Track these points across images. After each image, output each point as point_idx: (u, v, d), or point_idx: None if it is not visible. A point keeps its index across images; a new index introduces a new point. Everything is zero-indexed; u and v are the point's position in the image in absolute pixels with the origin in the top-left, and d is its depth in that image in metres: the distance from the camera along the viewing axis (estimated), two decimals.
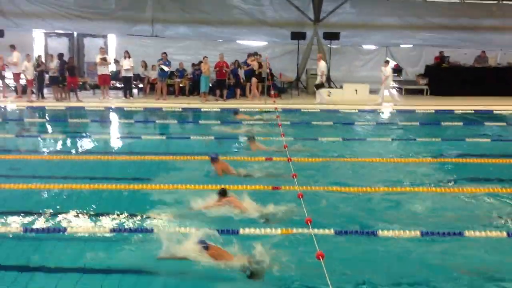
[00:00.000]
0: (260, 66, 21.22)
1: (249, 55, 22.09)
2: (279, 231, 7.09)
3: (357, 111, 19.23)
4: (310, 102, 20.96)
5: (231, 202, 7.98)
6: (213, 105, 19.71)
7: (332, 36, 23.32)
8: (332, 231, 7.07)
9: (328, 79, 23.06)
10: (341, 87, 22.10)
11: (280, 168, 10.33)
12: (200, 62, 21.41)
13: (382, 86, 21.13)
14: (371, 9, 24.92)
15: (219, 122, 16.01)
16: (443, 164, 11.40)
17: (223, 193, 8.09)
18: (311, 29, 23.94)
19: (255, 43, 25.45)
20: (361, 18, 24.97)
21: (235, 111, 17.23)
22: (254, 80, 21.46)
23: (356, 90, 21.58)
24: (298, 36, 23.37)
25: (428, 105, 20.34)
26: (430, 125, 16.80)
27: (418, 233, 7.15)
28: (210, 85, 21.48)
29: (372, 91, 21.73)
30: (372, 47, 26.28)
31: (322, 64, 21.24)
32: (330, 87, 22.42)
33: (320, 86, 21.28)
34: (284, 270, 6.12)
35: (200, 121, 16.31)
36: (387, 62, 21.38)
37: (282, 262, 6.23)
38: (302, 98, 22.40)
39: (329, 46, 23.89)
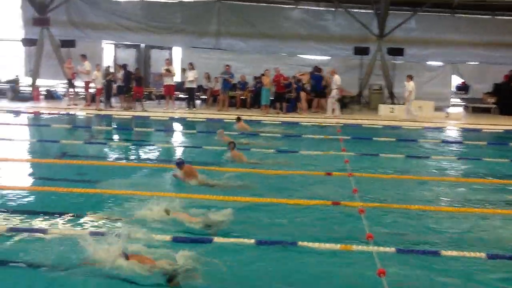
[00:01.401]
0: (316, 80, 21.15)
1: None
2: (338, 246, 7.01)
3: (421, 128, 18.83)
4: (372, 118, 20.71)
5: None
6: (274, 118, 19.80)
7: (396, 51, 23.04)
8: (393, 249, 6.92)
9: (391, 95, 22.74)
10: (404, 103, 21.73)
11: (340, 183, 10.24)
12: (262, 75, 21.61)
13: (406, 102, 20.62)
14: (436, 24, 24.49)
15: (279, 134, 16.09)
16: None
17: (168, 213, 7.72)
18: (375, 44, 23.70)
19: (317, 57, 25.47)
20: (426, 33, 24.59)
21: (238, 117, 17.13)
22: (302, 94, 21.47)
23: (420, 107, 21.15)
24: (361, 51, 23.24)
25: (496, 124, 19.68)
26: (498, 145, 16.22)
27: (483, 254, 6.89)
28: (272, 98, 21.63)
29: (437, 108, 21.25)
30: (438, 63, 25.74)
31: (337, 78, 20.88)
32: (393, 103, 22.09)
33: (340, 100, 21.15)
34: (343, 286, 6.05)
35: (261, 134, 16.38)
36: (410, 77, 20.85)
37: (341, 278, 6.17)
38: (364, 114, 22.16)
39: (393, 61, 23.58)
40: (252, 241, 6.94)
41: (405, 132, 18.11)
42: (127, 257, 6.02)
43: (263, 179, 10.66)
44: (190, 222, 7.56)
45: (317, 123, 18.85)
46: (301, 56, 25.57)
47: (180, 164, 9.90)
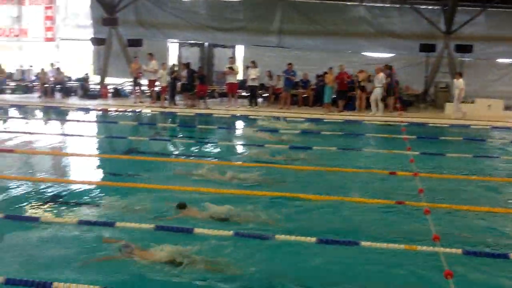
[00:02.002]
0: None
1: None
2: (402, 246, 6.86)
3: (489, 127, 18.17)
4: (438, 116, 20.16)
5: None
6: (336, 116, 19.63)
7: (465, 49, 22.32)
8: (460, 250, 6.72)
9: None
10: (472, 102, 21.03)
11: (405, 182, 10.03)
12: (325, 73, 21.43)
13: (456, 100, 19.90)
14: (507, 21, 23.49)
15: (341, 132, 15.96)
16: None
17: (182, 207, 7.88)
18: (441, 41, 23.05)
19: (381, 54, 25.05)
20: (496, 30, 23.67)
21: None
22: (359, 92, 21.14)
23: (489, 106, 20.42)
24: (427, 48, 22.66)
25: None
26: None
27: None
28: (334, 96, 21.46)
29: (507, 107, 20.45)
30: (508, 61, 24.74)
31: (382, 76, 20.36)
32: (462, 101, 21.45)
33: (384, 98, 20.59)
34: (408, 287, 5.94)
35: (322, 132, 16.27)
36: (459, 74, 19.93)
37: (405, 278, 6.06)
38: (429, 112, 21.61)
39: (461, 59, 22.85)
40: (314, 239, 6.92)
41: (473, 131, 17.50)
42: (131, 249, 6.21)
43: (326, 177, 10.58)
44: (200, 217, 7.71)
45: (382, 122, 18.54)
46: (365, 53, 25.21)
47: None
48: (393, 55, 24.87)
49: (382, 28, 24.60)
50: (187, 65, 21.87)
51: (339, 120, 18.74)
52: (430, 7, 23.72)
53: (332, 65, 21.57)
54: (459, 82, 19.76)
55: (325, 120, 18.56)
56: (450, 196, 9.35)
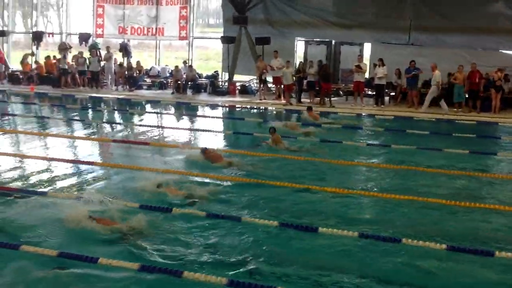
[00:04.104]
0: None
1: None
2: None
3: None
4: None
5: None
6: (466, 117, 18.62)
7: None
8: None
9: None
10: None
11: None
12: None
13: None
14: None
15: (474, 135, 15.12)
16: None
17: None
18: None
19: None
20: None
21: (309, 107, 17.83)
22: (493, 91, 19.75)
23: None
24: None
25: None
26: None
27: None
28: (466, 96, 20.36)
29: None
30: None
31: (437, 74, 19.22)
32: None
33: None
34: None
35: (454, 134, 15.51)
36: None
37: None
38: None
39: None
40: (444, 246, 6.68)
41: None
42: (94, 220, 7.10)
43: (455, 181, 10.12)
44: (175, 194, 8.59)
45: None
46: (503, 51, 23.53)
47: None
48: None
49: None
50: (313, 63, 21.96)
51: (470, 121, 17.76)
52: None
53: (464, 63, 20.44)
54: None
55: (455, 121, 17.69)
56: None
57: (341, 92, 24.28)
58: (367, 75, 22.88)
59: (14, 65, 29.95)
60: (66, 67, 25.76)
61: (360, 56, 22.31)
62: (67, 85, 25.53)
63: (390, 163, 11.62)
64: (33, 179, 9.77)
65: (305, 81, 22.64)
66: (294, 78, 22.22)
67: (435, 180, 10.19)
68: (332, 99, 21.84)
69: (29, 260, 6.05)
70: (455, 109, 20.13)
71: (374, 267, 6.30)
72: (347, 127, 16.81)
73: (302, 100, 22.46)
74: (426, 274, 6.22)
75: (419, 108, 20.59)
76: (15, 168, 10.72)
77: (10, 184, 9.25)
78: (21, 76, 27.38)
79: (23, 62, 27.93)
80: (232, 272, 6.03)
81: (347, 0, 25.12)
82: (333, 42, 25.71)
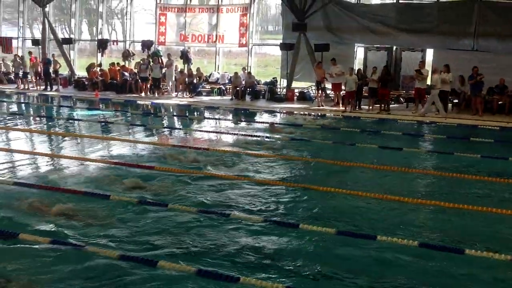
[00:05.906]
0: None
1: None
2: None
3: None
4: None
5: None
6: None
7: None
8: None
9: None
10: None
11: None
12: None
13: None
14: None
15: None
16: None
17: None
18: None
19: None
20: None
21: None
22: None
23: None
24: None
25: None
26: None
27: None
28: None
29: None
30: None
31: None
32: None
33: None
34: None
35: None
36: None
37: None
38: None
39: None
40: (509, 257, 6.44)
41: None
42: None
43: None
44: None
45: None
46: None
47: None
48: None
49: None
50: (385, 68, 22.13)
51: None
52: None
53: None
54: None
55: None
56: None
57: (401, 99, 23.83)
58: (428, 82, 22.30)
59: (80, 72, 31.15)
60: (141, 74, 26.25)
61: (422, 62, 21.81)
62: (131, 92, 26.33)
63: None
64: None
65: (365, 88, 22.36)
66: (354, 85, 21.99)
67: None
68: (391, 105, 21.45)
69: None
70: None
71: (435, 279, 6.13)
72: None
73: (362, 106, 22.28)
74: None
75: (483, 116, 19.92)
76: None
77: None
78: (86, 83, 28.39)
79: (89, 70, 28.94)
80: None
81: (410, 6, 24.64)
82: (394, 48, 25.29)
